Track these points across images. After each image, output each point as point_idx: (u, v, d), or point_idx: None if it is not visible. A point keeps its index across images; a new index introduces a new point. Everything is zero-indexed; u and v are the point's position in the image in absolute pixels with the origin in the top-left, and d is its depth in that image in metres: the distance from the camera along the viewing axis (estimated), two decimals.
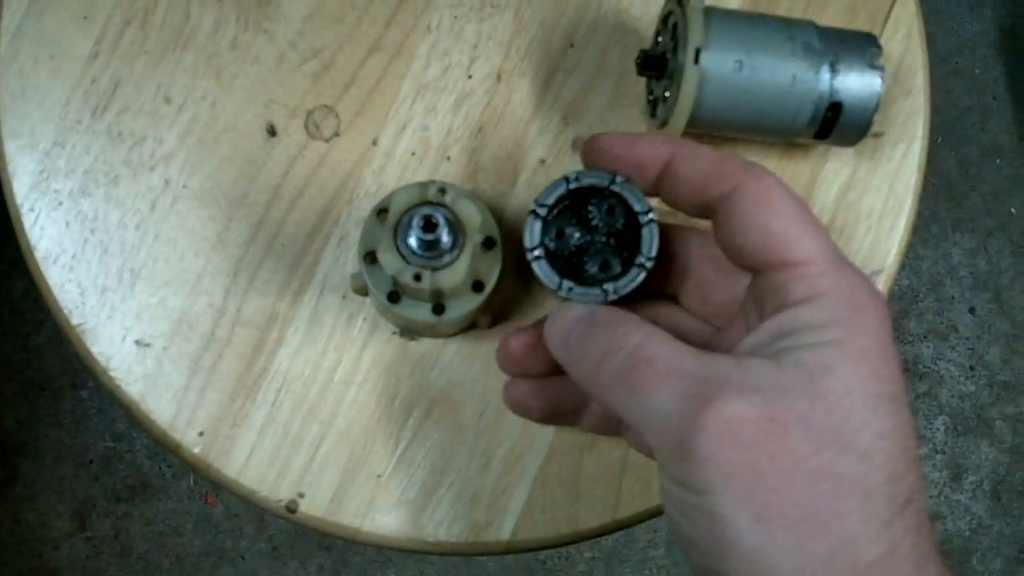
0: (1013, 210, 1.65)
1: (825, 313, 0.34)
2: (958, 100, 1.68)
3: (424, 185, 0.48)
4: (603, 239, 0.43)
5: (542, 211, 0.42)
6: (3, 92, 0.56)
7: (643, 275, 0.41)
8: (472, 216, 0.48)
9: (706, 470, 0.32)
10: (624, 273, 0.41)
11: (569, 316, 0.40)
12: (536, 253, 0.42)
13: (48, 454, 1.55)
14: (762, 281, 0.37)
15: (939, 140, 1.66)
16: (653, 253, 0.41)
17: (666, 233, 0.42)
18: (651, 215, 0.41)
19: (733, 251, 0.39)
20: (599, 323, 0.38)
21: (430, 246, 0.47)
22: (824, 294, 0.34)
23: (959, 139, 1.66)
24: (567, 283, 0.41)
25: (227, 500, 1.52)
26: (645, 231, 0.41)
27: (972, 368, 1.61)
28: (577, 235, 0.43)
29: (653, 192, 0.42)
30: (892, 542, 0.31)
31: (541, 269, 0.42)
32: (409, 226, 0.47)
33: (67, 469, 1.55)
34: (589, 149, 0.43)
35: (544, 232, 0.43)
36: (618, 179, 0.41)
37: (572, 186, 0.42)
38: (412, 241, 0.47)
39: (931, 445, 1.60)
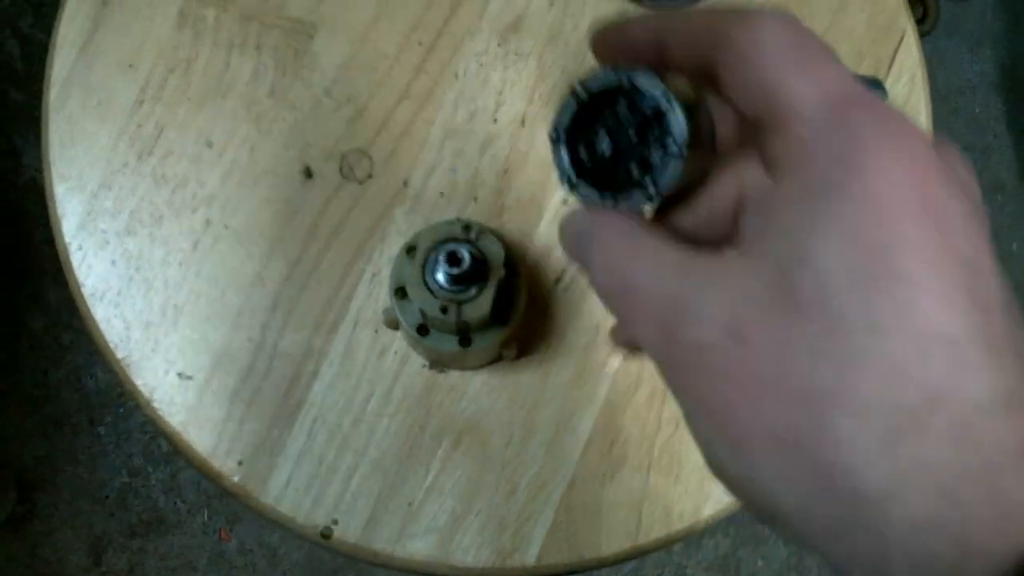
0: (1015, 246, 1.68)
1: (805, 182, 0.27)
2: (959, 138, 1.71)
3: (450, 223, 0.51)
4: (634, 138, 0.39)
5: (561, 135, 0.39)
6: (53, 137, 0.59)
7: (680, 164, 0.36)
8: (496, 252, 0.50)
9: (681, 400, 0.29)
10: (664, 166, 0.37)
11: (567, 231, 0.35)
12: (571, 180, 0.38)
13: (65, 489, 1.56)
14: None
15: None
16: (682, 138, 0.36)
17: (704, 107, 0.36)
18: (670, 100, 0.36)
19: (743, 117, 0.31)
20: (594, 239, 0.33)
21: (456, 280, 0.50)
22: (808, 156, 0.27)
23: None
24: (608, 199, 0.37)
25: (241, 536, 1.54)
26: (670, 116, 0.37)
27: None
28: (607, 143, 0.39)
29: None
30: (896, 466, 0.25)
31: (582, 193, 0.38)
32: (436, 262, 0.50)
33: (84, 504, 1.56)
34: (595, 51, 0.36)
35: (572, 155, 0.38)
36: (624, 71, 0.35)
37: (583, 96, 0.38)
38: (439, 276, 0.50)
39: None
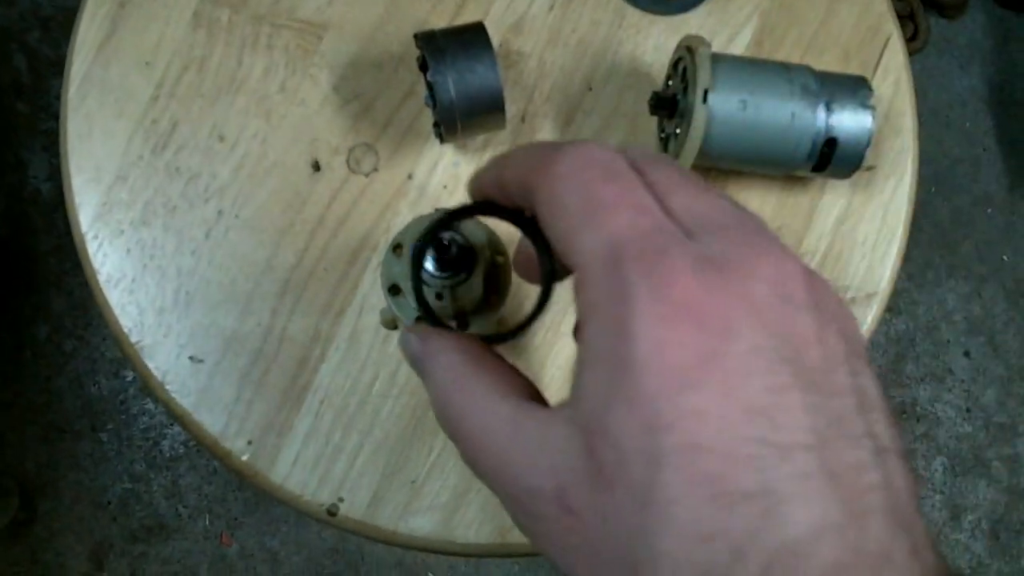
0: (1005, 257, 1.71)
1: (593, 346, 0.26)
2: (950, 151, 1.75)
3: (432, 215, 0.53)
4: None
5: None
6: (71, 132, 0.62)
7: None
8: (479, 236, 0.53)
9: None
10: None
11: (405, 350, 0.34)
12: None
13: (67, 495, 1.58)
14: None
15: (932, 190, 1.72)
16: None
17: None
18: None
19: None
20: (426, 373, 0.33)
21: (446, 266, 0.52)
22: (592, 315, 0.26)
23: (952, 189, 1.73)
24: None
25: (242, 540, 1.55)
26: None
27: (969, 410, 1.66)
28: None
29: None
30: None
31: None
32: (425, 251, 0.52)
33: (85, 510, 1.58)
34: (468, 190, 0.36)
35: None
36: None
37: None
38: (429, 265, 0.52)
39: (930, 485, 1.63)
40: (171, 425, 1.58)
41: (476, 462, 0.30)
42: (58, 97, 1.65)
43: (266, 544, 1.55)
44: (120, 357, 1.58)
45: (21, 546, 1.56)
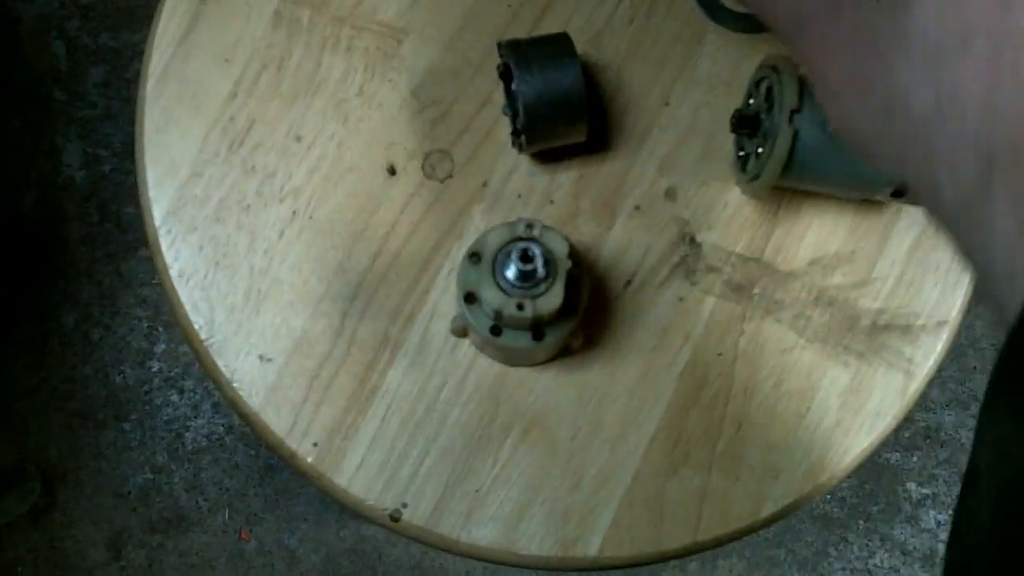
0: None
1: None
2: None
3: (513, 224, 0.53)
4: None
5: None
6: (148, 125, 0.62)
7: None
8: (560, 246, 0.53)
9: (810, 75, 0.39)
10: None
11: None
12: None
13: (88, 484, 1.58)
14: None
15: None
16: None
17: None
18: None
19: None
20: None
21: (528, 276, 0.52)
22: None
23: None
24: None
25: (260, 536, 1.55)
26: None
27: None
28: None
29: None
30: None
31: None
32: (507, 261, 0.52)
33: (105, 499, 1.58)
34: None
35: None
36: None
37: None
38: (510, 274, 0.52)
39: (951, 512, 1.63)
40: (195, 417, 1.58)
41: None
42: (96, 85, 1.65)
43: (284, 541, 1.55)
44: (146, 347, 1.58)
45: (40, 532, 1.56)
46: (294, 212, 0.61)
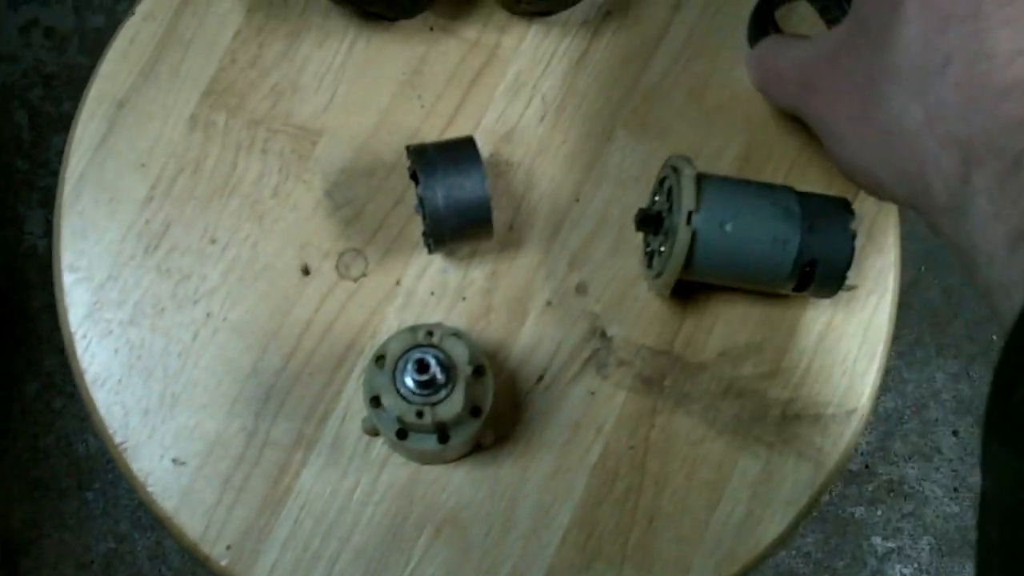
0: (994, 337, 1.71)
1: None
2: None
3: (414, 330, 0.54)
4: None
5: None
6: (65, 230, 0.63)
7: None
8: (459, 352, 0.54)
9: (814, 127, 0.54)
10: None
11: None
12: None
13: (50, 554, 1.57)
14: None
15: (923, 269, 1.73)
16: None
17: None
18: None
19: None
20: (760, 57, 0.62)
21: (426, 385, 0.53)
22: None
23: (942, 268, 1.74)
24: None
25: None
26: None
27: (956, 489, 1.65)
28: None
29: None
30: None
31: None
32: (405, 370, 0.53)
33: (69, 570, 1.57)
34: None
35: None
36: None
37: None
38: (409, 382, 0.53)
39: (916, 565, 1.63)
40: None
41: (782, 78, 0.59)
42: (58, 154, 1.67)
43: None
44: None
45: None
46: (208, 314, 0.62)
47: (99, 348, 0.61)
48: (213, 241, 0.63)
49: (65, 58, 1.71)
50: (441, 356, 0.53)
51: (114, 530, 1.58)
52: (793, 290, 0.59)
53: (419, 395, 0.53)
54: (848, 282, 0.59)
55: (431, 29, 0.66)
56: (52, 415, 1.61)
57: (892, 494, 1.65)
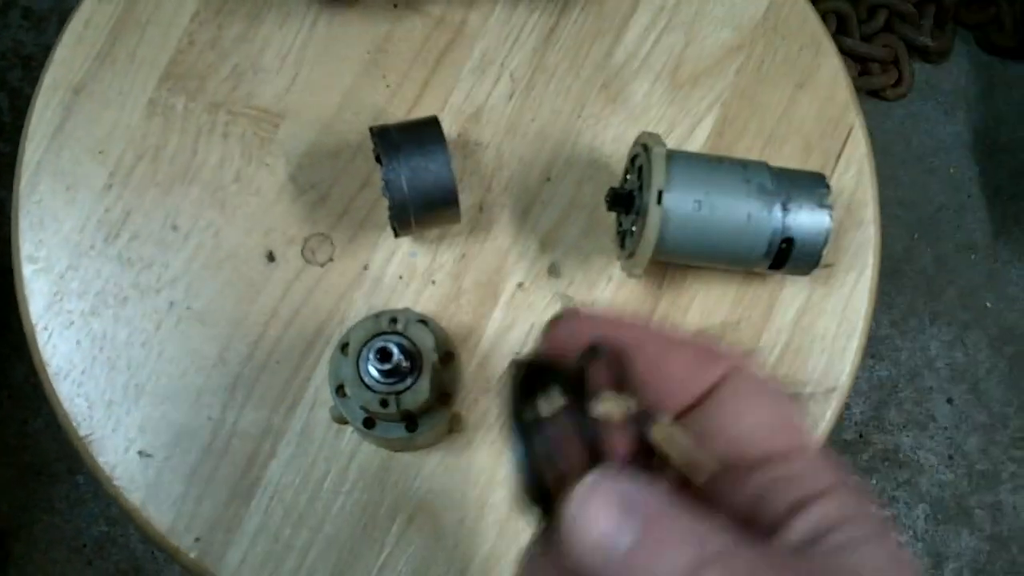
0: (988, 304, 1.70)
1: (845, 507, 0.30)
2: (934, 198, 1.74)
3: (377, 318, 0.52)
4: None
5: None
6: (22, 220, 0.61)
7: None
8: (425, 338, 0.52)
9: None
10: None
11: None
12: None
13: (42, 538, 1.56)
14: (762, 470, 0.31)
15: (916, 236, 1.71)
16: None
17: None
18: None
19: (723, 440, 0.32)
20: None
21: (390, 374, 0.51)
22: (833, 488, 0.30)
23: (936, 235, 1.72)
24: None
25: None
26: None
27: (951, 457, 1.65)
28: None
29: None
30: None
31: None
32: (368, 359, 0.51)
33: (61, 553, 1.56)
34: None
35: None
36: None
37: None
38: (373, 371, 0.51)
39: (912, 533, 1.62)
40: None
41: None
42: None
43: None
44: None
45: None
46: (171, 303, 0.61)
47: (61, 340, 0.60)
48: (175, 228, 0.61)
49: (44, 39, 1.69)
50: (405, 343, 0.52)
51: (106, 513, 1.57)
52: (768, 268, 0.58)
53: (383, 384, 0.52)
54: (825, 260, 0.58)
55: (395, 6, 0.64)
56: (41, 399, 1.59)
57: (887, 463, 1.64)
